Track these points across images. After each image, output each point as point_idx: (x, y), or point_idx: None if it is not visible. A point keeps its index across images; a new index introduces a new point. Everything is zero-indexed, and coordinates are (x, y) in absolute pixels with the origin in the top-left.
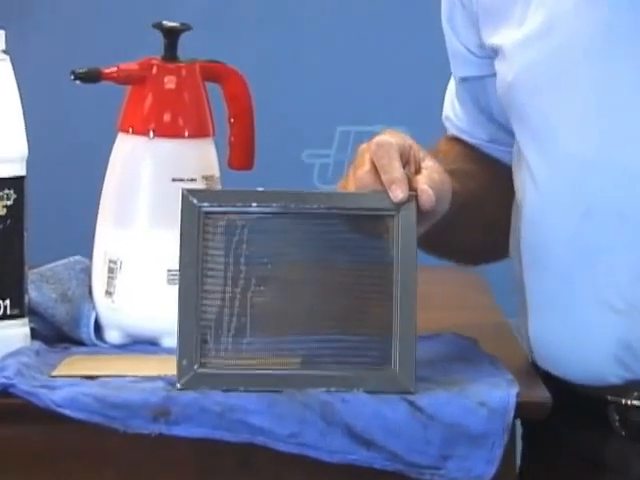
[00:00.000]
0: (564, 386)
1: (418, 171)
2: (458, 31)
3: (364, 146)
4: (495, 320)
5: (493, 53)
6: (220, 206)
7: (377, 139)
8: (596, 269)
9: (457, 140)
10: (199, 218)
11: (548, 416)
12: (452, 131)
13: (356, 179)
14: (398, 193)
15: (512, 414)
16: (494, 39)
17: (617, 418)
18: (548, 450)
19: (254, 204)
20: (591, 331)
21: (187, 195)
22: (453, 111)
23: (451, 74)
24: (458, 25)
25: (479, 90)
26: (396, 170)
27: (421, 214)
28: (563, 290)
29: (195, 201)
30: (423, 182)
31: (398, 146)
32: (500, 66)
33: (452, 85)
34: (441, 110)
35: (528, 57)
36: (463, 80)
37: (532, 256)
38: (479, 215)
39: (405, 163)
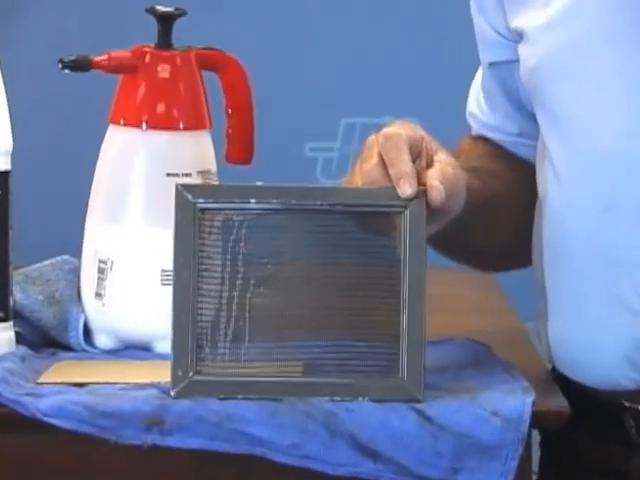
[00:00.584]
0: (582, 392)
1: (430, 165)
2: (487, 13)
3: (372, 138)
4: (510, 324)
5: (518, 37)
6: (217, 202)
7: (385, 131)
8: (614, 266)
9: (482, 139)
10: (194, 215)
11: (565, 424)
12: (477, 128)
13: (362, 173)
14: (406, 188)
15: (527, 424)
16: (518, 22)
17: (633, 424)
18: (565, 459)
19: (253, 200)
20: (604, 330)
21: (181, 190)
22: (479, 107)
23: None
24: (487, 6)
25: (507, 76)
26: (405, 163)
27: (432, 211)
28: (580, 288)
29: (190, 197)
30: (434, 177)
31: (408, 138)
32: (523, 50)
33: (478, 80)
34: (453, 100)
35: (551, 41)
36: (492, 66)
37: (552, 252)
38: (502, 217)
39: (416, 156)
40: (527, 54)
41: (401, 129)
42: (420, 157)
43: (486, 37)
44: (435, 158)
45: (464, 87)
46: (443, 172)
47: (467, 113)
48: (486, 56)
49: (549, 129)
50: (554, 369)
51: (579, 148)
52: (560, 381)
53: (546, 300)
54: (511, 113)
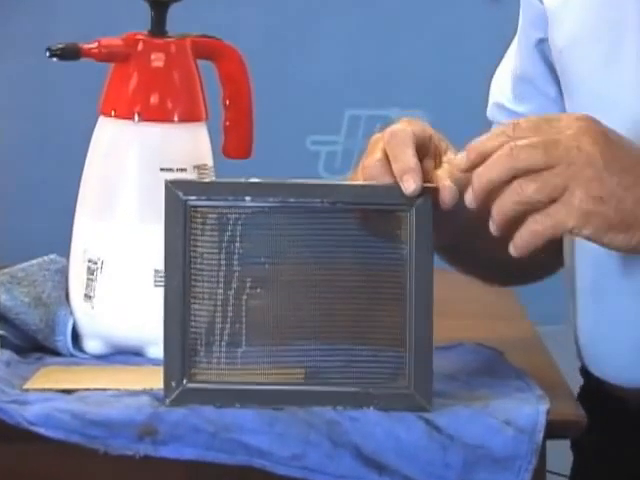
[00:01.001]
0: (614, 394)
1: (438, 165)
2: None
3: (377, 135)
4: (523, 328)
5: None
6: (209, 199)
7: (392, 127)
8: (635, 257)
9: None
10: (185, 213)
11: (593, 429)
12: (505, 119)
13: (364, 168)
14: (410, 184)
15: (542, 434)
16: (548, 1)
17: None
18: (597, 463)
19: (248, 197)
20: (625, 324)
21: (171, 187)
22: (508, 97)
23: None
24: None
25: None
26: (409, 159)
27: (441, 214)
28: (603, 280)
29: (180, 194)
30: (444, 177)
31: (415, 135)
32: (552, 31)
33: (506, 69)
34: (460, 91)
35: (578, 20)
36: (541, 43)
37: (580, 245)
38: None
39: (423, 155)
40: (555, 34)
41: (408, 126)
42: (428, 156)
43: (535, 12)
44: (444, 158)
45: (471, 78)
46: (452, 174)
47: (491, 105)
48: (534, 33)
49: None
50: (586, 377)
51: None
52: (591, 386)
53: (575, 300)
54: (552, 99)
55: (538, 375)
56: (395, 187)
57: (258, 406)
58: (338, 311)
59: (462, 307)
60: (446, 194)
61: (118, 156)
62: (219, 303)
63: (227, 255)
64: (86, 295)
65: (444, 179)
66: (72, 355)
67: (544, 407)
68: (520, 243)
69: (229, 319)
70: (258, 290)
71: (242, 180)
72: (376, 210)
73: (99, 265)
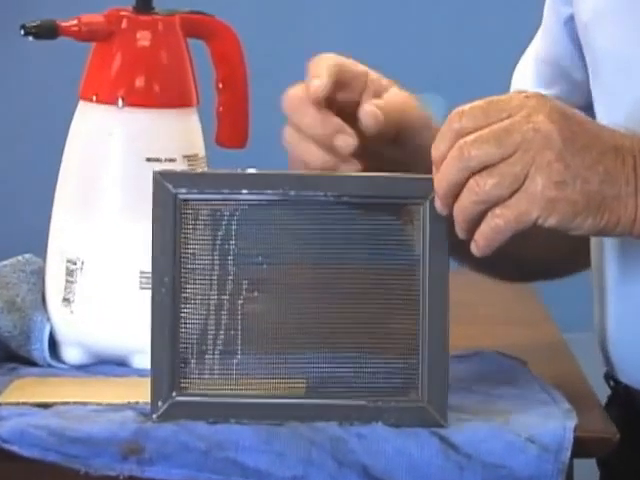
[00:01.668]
0: None
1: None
2: None
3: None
4: (548, 335)
5: None
6: (202, 192)
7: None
8: None
9: None
10: (175, 207)
11: (621, 443)
12: None
13: (287, 96)
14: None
15: (569, 453)
16: None
17: None
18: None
19: (245, 190)
20: None
21: (159, 179)
22: (534, 76)
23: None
24: None
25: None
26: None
27: (364, 142)
28: (631, 279)
29: (170, 186)
30: (369, 103)
31: (338, 65)
32: (577, 4)
33: (530, 56)
34: (475, 75)
35: None
36: (570, 20)
37: (608, 242)
38: None
39: (358, 93)
40: (580, 8)
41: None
42: (365, 92)
43: None
44: (385, 95)
45: (486, 62)
46: (388, 100)
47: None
48: (564, 9)
49: (598, 92)
50: (613, 385)
51: (630, 114)
52: (619, 395)
53: (602, 300)
54: (576, 83)
55: (564, 387)
56: (408, 179)
57: (255, 421)
58: (343, 316)
59: (481, 312)
60: (367, 118)
61: (100, 145)
62: (212, 308)
63: (221, 254)
64: (65, 299)
65: (369, 104)
66: (49, 365)
67: (571, 423)
68: (482, 242)
69: (223, 325)
70: (255, 293)
71: (238, 171)
72: (386, 204)
73: (79, 266)
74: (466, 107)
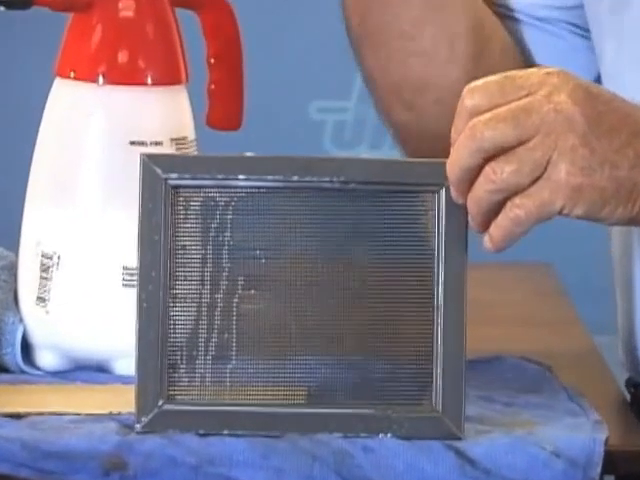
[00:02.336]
0: None
1: None
2: None
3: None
4: (576, 338)
5: None
6: (194, 178)
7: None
8: None
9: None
10: (165, 194)
11: None
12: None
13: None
14: None
15: (599, 468)
16: None
17: None
18: None
19: (241, 176)
20: None
21: (148, 163)
22: None
23: None
24: None
25: None
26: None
27: None
28: None
29: (159, 171)
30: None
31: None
32: None
33: None
34: None
35: None
36: None
37: (630, 235)
38: None
39: None
40: None
41: None
42: None
43: None
44: None
45: None
46: None
47: None
48: None
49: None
50: (635, 393)
51: None
52: None
53: (631, 301)
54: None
55: (594, 395)
56: (422, 163)
57: (251, 433)
58: (349, 317)
59: (501, 312)
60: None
61: (78, 127)
62: (204, 307)
63: (215, 247)
64: (39, 297)
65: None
66: (22, 371)
67: (601, 435)
68: (499, 235)
69: (216, 327)
70: (252, 291)
71: (234, 155)
72: (397, 191)
73: (55, 261)
74: (479, 82)
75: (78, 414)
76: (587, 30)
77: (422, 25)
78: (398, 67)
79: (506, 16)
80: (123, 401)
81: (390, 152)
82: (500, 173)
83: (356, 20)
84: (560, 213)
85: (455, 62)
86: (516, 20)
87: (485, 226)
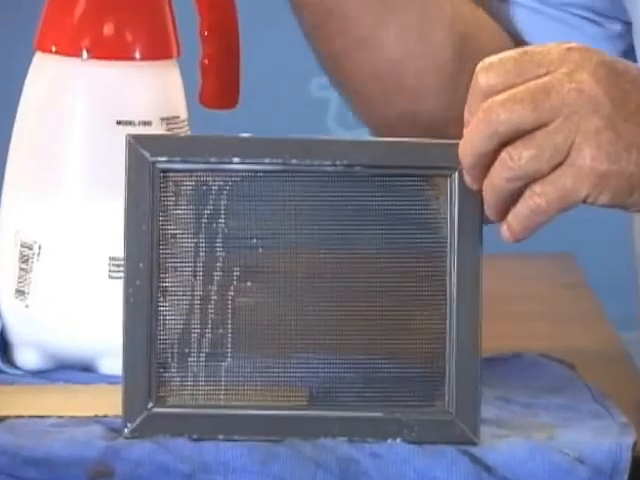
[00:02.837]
0: None
1: None
2: None
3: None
4: (602, 334)
5: None
6: (185, 161)
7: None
8: None
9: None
10: (153, 179)
11: None
12: None
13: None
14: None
15: (626, 475)
16: None
17: None
18: None
19: (236, 159)
20: None
21: (134, 144)
22: None
23: None
24: None
25: None
26: None
27: None
28: None
29: (147, 154)
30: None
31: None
32: None
33: None
34: None
35: None
36: None
37: None
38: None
39: None
40: None
41: None
42: None
43: None
44: None
45: None
46: None
47: None
48: None
49: None
50: None
51: None
52: None
53: None
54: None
55: (620, 396)
56: (433, 144)
57: (248, 438)
58: (355, 312)
59: (519, 306)
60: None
61: (60, 106)
62: (197, 301)
63: (208, 236)
64: (18, 290)
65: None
66: (0, 371)
67: (629, 439)
68: (518, 225)
69: (210, 322)
70: (249, 283)
71: (229, 136)
72: (406, 175)
73: (35, 251)
74: (495, 59)
75: (60, 417)
76: (601, 15)
77: (404, 62)
78: (382, 107)
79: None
80: (109, 403)
81: None
82: (518, 159)
83: (329, 65)
84: (584, 201)
85: (444, 91)
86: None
87: (503, 215)
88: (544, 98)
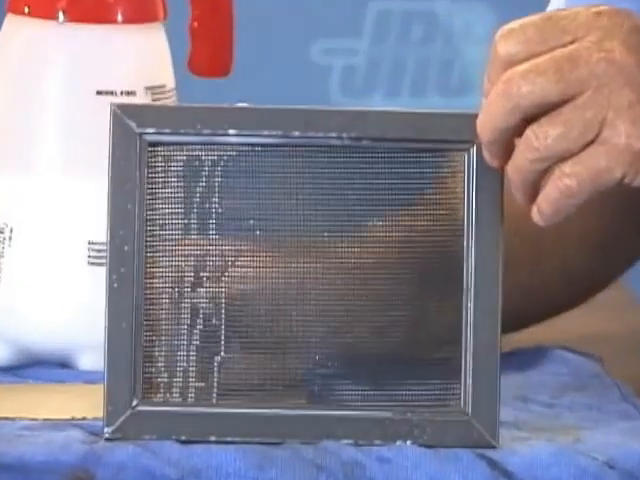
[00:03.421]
0: None
1: None
2: None
3: None
4: (634, 325)
5: None
6: (175, 133)
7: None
8: None
9: None
10: (140, 152)
11: None
12: None
13: None
14: None
15: None
16: None
17: None
18: None
19: (232, 131)
20: None
21: (120, 115)
22: None
23: None
24: None
25: None
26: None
27: None
28: None
29: (133, 124)
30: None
31: None
32: None
33: None
34: None
35: None
36: None
37: None
38: None
39: None
40: None
41: None
42: None
43: None
44: None
45: None
46: None
47: None
48: None
49: None
50: None
51: None
52: None
53: None
54: None
55: None
56: (448, 115)
57: (243, 440)
58: (361, 301)
59: None
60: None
61: (34, 73)
62: (187, 288)
63: (200, 217)
64: None
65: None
66: None
67: None
68: (548, 208)
69: (202, 312)
70: (245, 269)
71: (223, 106)
72: (418, 149)
73: (7, 234)
74: (516, 24)
75: (34, 419)
76: None
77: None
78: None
79: None
80: (88, 405)
81: (409, 102)
82: (544, 138)
83: None
84: (620, 182)
85: None
86: None
87: (532, 197)
88: (570, 69)
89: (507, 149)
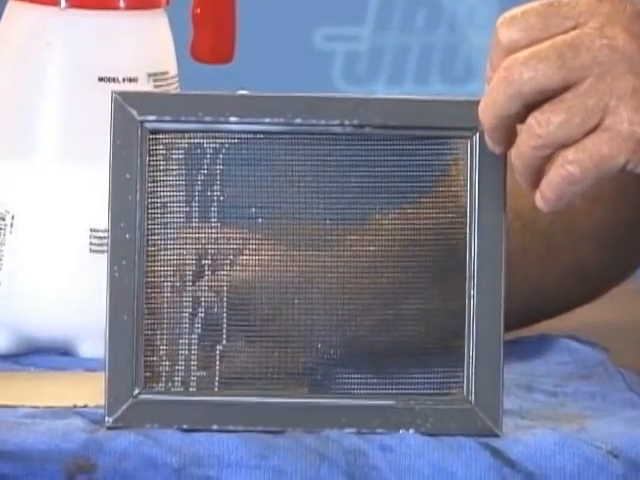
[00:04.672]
0: None
1: None
2: None
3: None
4: (639, 314)
5: None
6: (176, 121)
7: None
8: None
9: None
10: (141, 140)
11: None
12: None
13: None
14: None
15: None
16: None
17: None
18: None
19: (234, 118)
20: None
21: (121, 102)
22: None
23: None
24: None
25: None
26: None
27: None
28: None
29: (135, 112)
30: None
31: None
32: None
33: None
34: None
35: None
36: None
37: None
38: None
39: None
40: None
41: None
42: None
43: None
44: None
45: None
46: None
47: None
48: None
49: None
50: None
51: None
52: None
53: None
54: None
55: None
56: (451, 102)
57: (245, 428)
58: (364, 289)
59: None
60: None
61: (35, 60)
62: (189, 277)
63: (202, 205)
64: None
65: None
66: None
67: None
68: (551, 194)
69: (204, 300)
70: (246, 257)
71: (224, 93)
72: (421, 136)
73: (8, 222)
74: (517, 11)
75: (35, 407)
76: None
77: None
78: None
79: None
80: (90, 391)
81: (412, 89)
82: (546, 125)
83: None
84: (623, 169)
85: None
86: None
87: (536, 183)
88: (572, 55)
89: (509, 136)
